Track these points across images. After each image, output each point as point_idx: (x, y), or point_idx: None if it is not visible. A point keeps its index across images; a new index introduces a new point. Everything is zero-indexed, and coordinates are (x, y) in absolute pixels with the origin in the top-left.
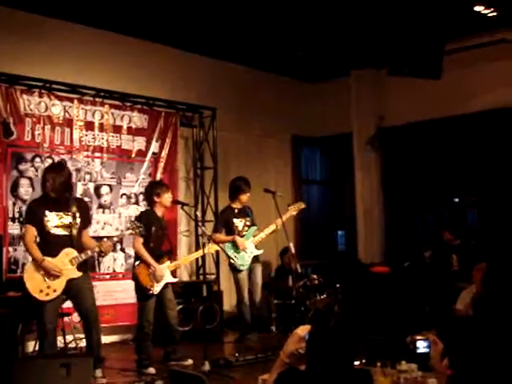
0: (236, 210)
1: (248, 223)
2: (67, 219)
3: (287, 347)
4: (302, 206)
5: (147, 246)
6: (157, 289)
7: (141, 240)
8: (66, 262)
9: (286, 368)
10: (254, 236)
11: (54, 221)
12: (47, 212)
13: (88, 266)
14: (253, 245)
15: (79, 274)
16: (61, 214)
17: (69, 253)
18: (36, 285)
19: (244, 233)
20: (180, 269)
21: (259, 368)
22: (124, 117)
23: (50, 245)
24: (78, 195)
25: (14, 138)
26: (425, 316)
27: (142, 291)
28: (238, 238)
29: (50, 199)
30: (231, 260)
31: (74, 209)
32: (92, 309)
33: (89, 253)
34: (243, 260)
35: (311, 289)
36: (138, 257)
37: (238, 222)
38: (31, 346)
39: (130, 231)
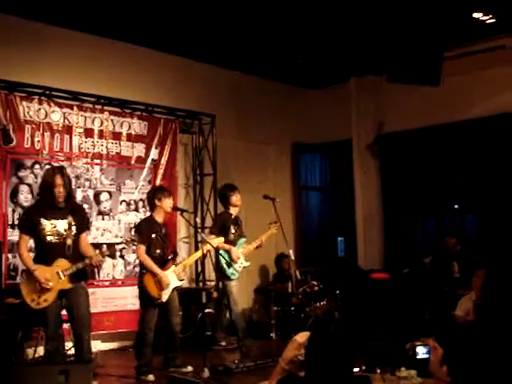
0: (232, 217)
1: (238, 233)
2: (61, 227)
3: (286, 354)
4: (278, 226)
5: (151, 253)
6: (165, 296)
7: (143, 248)
8: (54, 274)
9: (285, 375)
10: (242, 248)
11: (48, 228)
12: (42, 220)
13: (86, 275)
14: (242, 256)
15: (70, 285)
16: (55, 222)
17: (60, 264)
18: (29, 292)
19: (235, 242)
20: (185, 272)
21: (259, 375)
22: (123, 123)
23: (45, 253)
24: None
25: (13, 145)
26: (424, 322)
27: (149, 300)
28: (233, 249)
29: (45, 206)
30: (223, 267)
31: (70, 218)
32: (86, 314)
33: (80, 265)
34: (234, 269)
35: (311, 295)
36: (143, 265)
37: (233, 230)
38: (31, 352)
39: (123, 245)
